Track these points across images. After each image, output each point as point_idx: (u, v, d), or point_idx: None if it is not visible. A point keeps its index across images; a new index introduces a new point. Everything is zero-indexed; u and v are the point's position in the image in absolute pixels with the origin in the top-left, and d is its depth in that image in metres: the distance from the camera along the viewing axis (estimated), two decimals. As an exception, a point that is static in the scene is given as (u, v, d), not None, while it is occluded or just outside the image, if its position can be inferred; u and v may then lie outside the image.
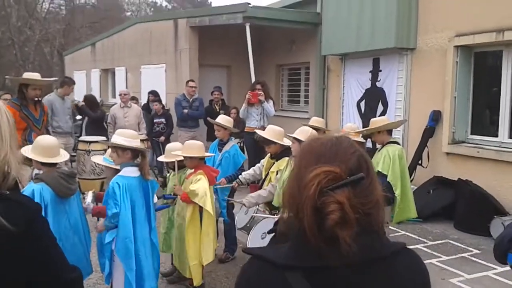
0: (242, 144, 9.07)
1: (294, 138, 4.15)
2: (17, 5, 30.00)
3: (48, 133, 6.48)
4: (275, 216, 4.16)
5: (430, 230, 6.86)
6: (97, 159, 4.71)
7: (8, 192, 1.32)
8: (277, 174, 4.56)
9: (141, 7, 44.72)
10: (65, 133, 7.33)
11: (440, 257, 5.78)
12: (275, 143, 4.61)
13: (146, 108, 10.86)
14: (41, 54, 32.86)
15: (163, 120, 9.83)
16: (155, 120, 9.90)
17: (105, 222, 3.78)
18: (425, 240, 6.41)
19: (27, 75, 6.29)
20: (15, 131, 1.38)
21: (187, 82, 9.63)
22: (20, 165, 1.36)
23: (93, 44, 18.63)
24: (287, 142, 4.67)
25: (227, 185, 5.05)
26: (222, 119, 5.38)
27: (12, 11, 29.68)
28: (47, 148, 3.67)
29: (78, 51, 20.87)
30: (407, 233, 6.67)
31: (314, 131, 4.30)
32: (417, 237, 6.54)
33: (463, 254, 5.88)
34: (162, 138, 9.34)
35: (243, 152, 9.07)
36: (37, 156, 3.63)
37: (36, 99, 6.02)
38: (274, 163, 4.71)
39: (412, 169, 7.96)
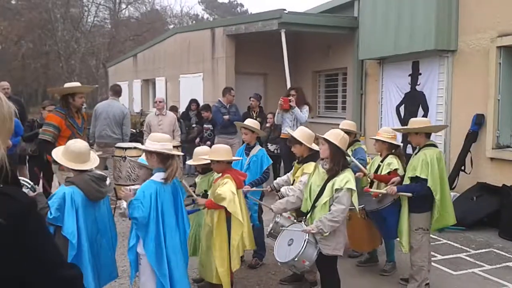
0: (278, 151, 8.98)
1: (325, 139, 4.01)
2: (63, 19, 31.20)
3: (88, 141, 6.63)
4: (302, 223, 4.03)
5: (474, 238, 6.54)
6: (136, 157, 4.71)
7: (1, 186, 1.29)
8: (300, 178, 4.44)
9: (183, 19, 45.62)
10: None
11: (483, 266, 5.48)
12: (300, 143, 4.50)
13: (185, 116, 10.96)
14: (87, 67, 34.03)
15: (210, 126, 10.16)
16: (204, 126, 10.34)
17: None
18: (468, 249, 6.11)
19: (69, 85, 6.41)
20: (10, 120, 1.34)
21: (230, 90, 9.60)
22: (4, 156, 1.31)
23: (135, 56, 19.07)
24: (315, 147, 4.54)
25: (254, 189, 4.96)
26: (249, 121, 5.30)
27: (59, 25, 30.89)
28: (78, 154, 3.66)
29: (120, 63, 21.43)
30: (449, 242, 6.38)
31: (345, 134, 4.15)
32: (459, 246, 6.24)
33: (507, 263, 5.56)
34: (208, 143, 9.39)
35: (279, 159, 9.00)
36: (68, 163, 3.65)
37: (83, 107, 6.26)
38: (300, 168, 4.60)
39: (454, 175, 7.66)
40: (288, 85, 9.56)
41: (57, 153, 3.73)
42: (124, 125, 7.78)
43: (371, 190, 4.95)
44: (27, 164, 7.87)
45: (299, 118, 7.80)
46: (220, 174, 4.36)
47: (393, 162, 5.03)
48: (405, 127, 4.96)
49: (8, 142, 1.33)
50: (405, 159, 5.17)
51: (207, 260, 4.38)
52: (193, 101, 11.20)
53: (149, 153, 3.78)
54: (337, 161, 3.93)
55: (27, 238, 1.29)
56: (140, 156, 5.89)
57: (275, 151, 9.03)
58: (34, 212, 1.34)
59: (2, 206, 1.23)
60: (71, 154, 3.66)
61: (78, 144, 3.77)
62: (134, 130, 11.06)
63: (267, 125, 9.30)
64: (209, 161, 4.46)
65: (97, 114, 7.89)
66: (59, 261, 1.41)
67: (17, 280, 1.28)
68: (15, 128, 5.24)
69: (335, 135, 3.99)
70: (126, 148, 7.13)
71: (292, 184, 4.67)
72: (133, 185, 7.04)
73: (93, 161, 3.80)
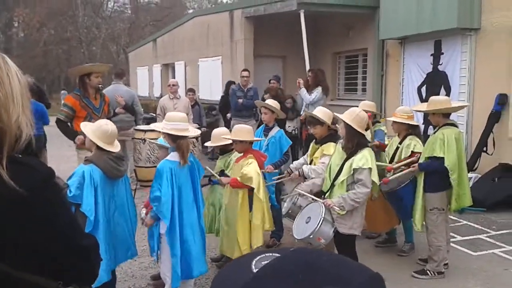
0: (295, 132, 8.99)
1: (340, 118, 4.00)
2: (83, 5, 31.42)
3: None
4: (319, 200, 4.04)
5: (494, 219, 6.45)
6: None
7: (20, 156, 1.31)
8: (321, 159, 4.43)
9: (202, 4, 45.47)
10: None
11: (504, 247, 5.42)
12: (322, 123, 4.48)
13: (225, 100, 10.47)
14: (108, 53, 34.26)
15: None
16: None
17: (151, 214, 3.80)
18: (488, 230, 6.04)
19: (87, 65, 6.61)
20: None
21: (240, 72, 9.59)
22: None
23: (154, 40, 19.11)
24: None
25: (275, 171, 4.98)
26: (270, 102, 5.31)
27: (79, 11, 31.14)
28: (107, 134, 3.67)
29: (140, 48, 21.51)
30: (469, 223, 6.32)
31: (363, 112, 4.11)
32: (480, 227, 6.17)
33: (530, 245, 5.49)
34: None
35: (297, 139, 8.99)
36: (97, 140, 3.65)
37: (100, 86, 6.32)
38: (318, 148, 4.59)
39: (476, 156, 7.55)
40: (307, 68, 9.47)
41: (86, 129, 3.73)
42: (135, 105, 7.80)
43: (394, 167, 4.91)
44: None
45: (305, 100, 7.76)
46: (241, 154, 4.38)
47: (412, 143, 4.97)
48: (424, 109, 4.86)
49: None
50: (423, 138, 5.12)
51: (229, 237, 4.41)
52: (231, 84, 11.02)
53: (163, 133, 3.86)
54: (351, 139, 3.92)
55: (44, 206, 1.30)
56: (159, 138, 5.97)
57: (293, 131, 9.01)
58: (52, 181, 1.36)
59: (22, 176, 1.25)
60: (102, 133, 3.65)
61: (110, 126, 3.78)
62: (154, 114, 11.12)
63: (288, 105, 9.27)
64: (228, 142, 4.49)
65: None
66: (75, 231, 1.44)
67: (33, 247, 1.31)
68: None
69: (349, 114, 3.99)
70: (145, 131, 7.21)
71: (309, 165, 4.66)
72: (153, 167, 7.14)
73: (117, 145, 3.85)
